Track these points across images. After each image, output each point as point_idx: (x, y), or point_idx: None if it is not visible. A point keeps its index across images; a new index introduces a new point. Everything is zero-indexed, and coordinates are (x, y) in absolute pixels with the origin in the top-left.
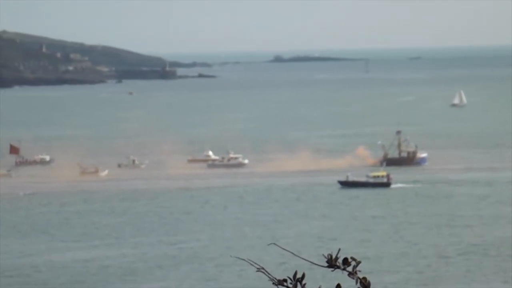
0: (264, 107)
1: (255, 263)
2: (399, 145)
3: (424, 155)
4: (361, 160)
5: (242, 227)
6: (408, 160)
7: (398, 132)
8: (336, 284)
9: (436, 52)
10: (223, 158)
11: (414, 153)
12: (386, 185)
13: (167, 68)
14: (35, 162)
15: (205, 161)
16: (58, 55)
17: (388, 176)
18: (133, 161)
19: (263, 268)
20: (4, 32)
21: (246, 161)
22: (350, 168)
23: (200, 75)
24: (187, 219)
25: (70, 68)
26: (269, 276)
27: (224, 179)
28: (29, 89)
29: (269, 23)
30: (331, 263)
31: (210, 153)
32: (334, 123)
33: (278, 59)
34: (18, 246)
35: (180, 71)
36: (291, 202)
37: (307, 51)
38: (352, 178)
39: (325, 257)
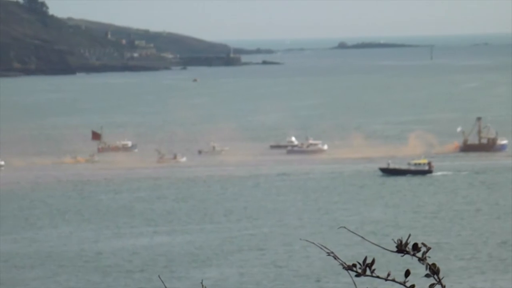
0: (328, 94)
1: (325, 248)
2: (479, 132)
3: (504, 142)
4: (429, 147)
5: (309, 213)
6: (487, 147)
7: (479, 119)
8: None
9: (503, 39)
10: (302, 144)
11: (494, 140)
12: (428, 172)
13: (232, 55)
14: (117, 148)
15: (286, 147)
16: (123, 41)
17: (429, 163)
18: (213, 147)
19: (333, 253)
20: (70, 19)
21: (325, 147)
22: (425, 155)
23: (264, 62)
24: (257, 205)
25: (135, 54)
26: (339, 260)
27: (301, 165)
28: (95, 76)
29: (334, 10)
30: (401, 248)
31: (293, 139)
32: (399, 109)
33: (342, 46)
34: (90, 232)
35: (244, 57)
36: (354, 188)
37: (372, 38)
38: (393, 165)
39: (395, 243)
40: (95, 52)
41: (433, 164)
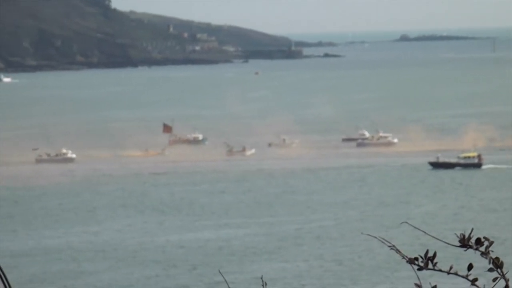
0: (389, 86)
1: (387, 241)
2: None
3: None
4: (490, 141)
5: (371, 206)
6: None
7: None
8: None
9: None
10: (372, 137)
11: None
12: (477, 165)
13: (293, 48)
14: (188, 141)
15: (362, 139)
16: (185, 35)
17: (479, 156)
18: (284, 140)
19: (394, 246)
20: (132, 12)
21: (395, 140)
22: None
23: (326, 55)
24: (322, 198)
25: (197, 48)
26: (401, 254)
27: (368, 158)
28: (157, 69)
29: (396, 3)
30: (464, 242)
31: (365, 132)
32: (460, 102)
33: (404, 38)
34: (153, 225)
35: (306, 50)
36: (415, 182)
37: (434, 30)
38: (442, 159)
39: (457, 237)
40: (157, 46)
41: (483, 157)
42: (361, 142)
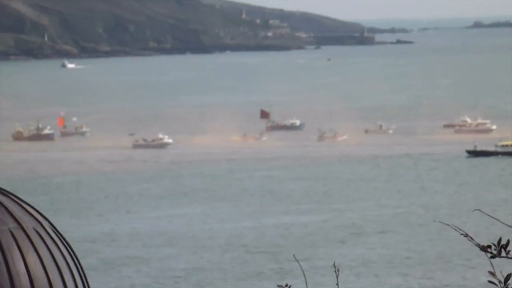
0: (462, 73)
1: (460, 229)
2: None
3: None
4: None
5: (443, 194)
6: None
7: None
8: None
9: None
10: (470, 123)
11: None
12: None
13: (365, 34)
14: (285, 127)
15: (460, 126)
16: (258, 21)
17: None
18: (380, 126)
19: (468, 234)
20: None
21: (494, 126)
22: None
23: (398, 41)
24: (386, 186)
25: (269, 34)
26: (474, 242)
27: (467, 145)
28: (229, 55)
29: None
30: None
31: (467, 118)
32: None
33: (477, 25)
34: (232, 210)
35: (378, 37)
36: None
37: (509, 17)
38: (480, 147)
39: None
40: (229, 32)
41: None
42: (459, 129)
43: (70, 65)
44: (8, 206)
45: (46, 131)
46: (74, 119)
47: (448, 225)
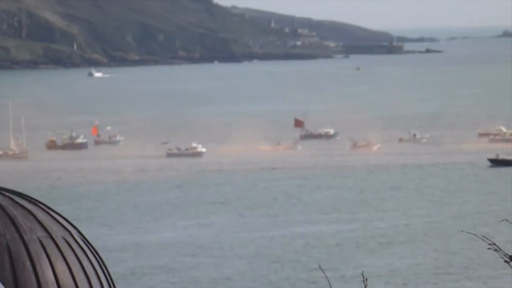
0: (492, 82)
1: (487, 239)
2: None
3: None
4: None
5: (470, 204)
6: None
7: None
8: None
9: None
10: (505, 133)
11: None
12: None
13: (394, 43)
14: (320, 136)
15: (495, 135)
16: (286, 30)
17: None
18: (414, 135)
19: (494, 244)
20: (234, 7)
21: None
22: None
23: (427, 50)
24: (411, 194)
25: (298, 43)
26: (501, 252)
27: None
28: (258, 64)
29: None
30: None
31: (502, 128)
32: None
33: (507, 34)
34: (260, 219)
35: (407, 46)
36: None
37: None
38: (502, 156)
39: None
40: (258, 41)
41: None
42: (493, 138)
43: (97, 74)
44: (37, 214)
45: (80, 140)
46: (108, 128)
47: (475, 235)
